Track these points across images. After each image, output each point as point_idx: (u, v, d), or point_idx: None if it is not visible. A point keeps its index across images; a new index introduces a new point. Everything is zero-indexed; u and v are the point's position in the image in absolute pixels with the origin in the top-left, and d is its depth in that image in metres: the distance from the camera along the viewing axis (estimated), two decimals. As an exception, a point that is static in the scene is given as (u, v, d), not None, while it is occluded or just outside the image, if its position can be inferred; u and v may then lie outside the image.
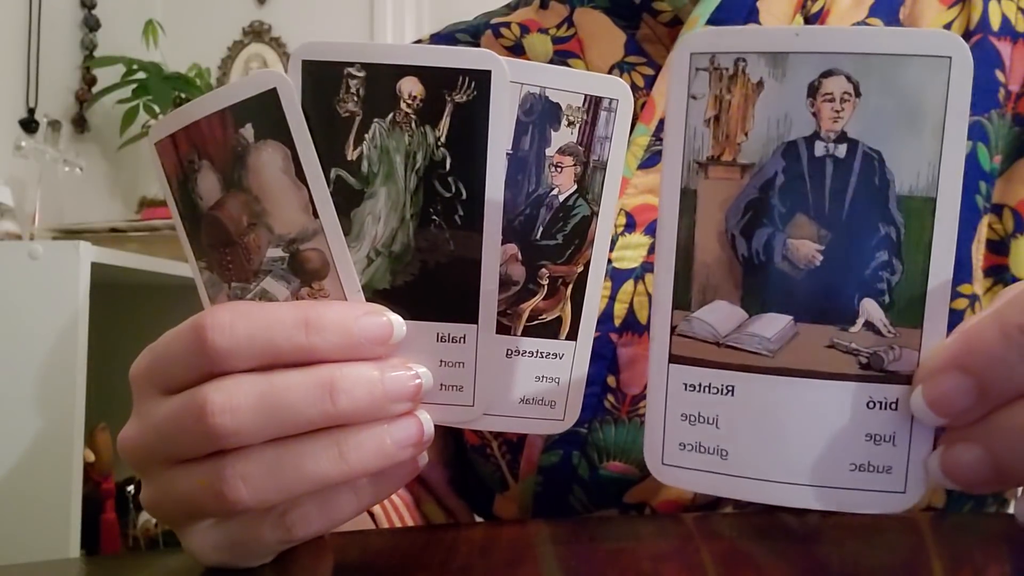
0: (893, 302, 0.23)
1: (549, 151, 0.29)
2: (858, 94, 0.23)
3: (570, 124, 0.29)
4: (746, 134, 0.24)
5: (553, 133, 0.29)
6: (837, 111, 0.23)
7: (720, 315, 0.25)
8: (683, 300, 0.25)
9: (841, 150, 0.23)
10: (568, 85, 0.28)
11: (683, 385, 0.25)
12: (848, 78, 0.23)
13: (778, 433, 0.24)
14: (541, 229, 0.29)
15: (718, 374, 0.25)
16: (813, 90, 0.23)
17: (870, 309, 0.24)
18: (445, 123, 0.28)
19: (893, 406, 0.24)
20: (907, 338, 0.23)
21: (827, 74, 0.23)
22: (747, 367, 0.24)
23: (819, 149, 0.23)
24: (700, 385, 0.25)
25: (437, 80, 0.27)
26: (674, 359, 0.25)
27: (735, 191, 0.24)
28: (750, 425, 0.24)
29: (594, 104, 0.29)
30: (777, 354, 0.24)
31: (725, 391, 0.25)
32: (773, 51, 0.23)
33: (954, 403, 0.22)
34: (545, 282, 0.30)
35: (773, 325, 0.24)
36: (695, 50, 0.24)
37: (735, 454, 0.25)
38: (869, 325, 0.24)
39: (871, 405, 0.24)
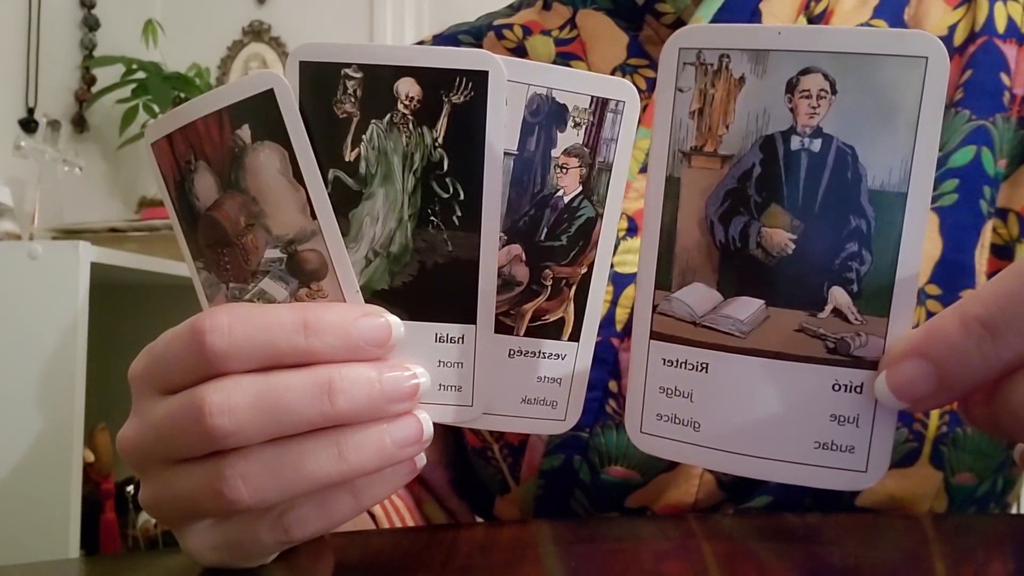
0: (862, 291, 0.24)
1: (555, 152, 0.29)
2: (835, 91, 0.24)
3: (576, 125, 0.28)
4: (727, 127, 0.25)
5: (559, 134, 0.29)
6: (813, 107, 0.24)
7: (697, 297, 0.26)
8: (664, 281, 0.26)
9: (816, 145, 0.24)
10: (575, 86, 0.28)
11: (662, 360, 0.26)
12: (825, 76, 0.24)
13: (747, 409, 0.25)
14: (546, 230, 0.29)
15: (694, 351, 0.26)
16: (791, 87, 0.24)
17: (838, 297, 0.24)
18: (442, 124, 0.27)
19: (858, 389, 0.24)
20: (874, 326, 0.24)
21: (805, 72, 0.24)
22: (720, 346, 0.26)
23: (795, 143, 0.24)
24: (677, 361, 0.26)
25: (434, 81, 0.27)
26: (654, 335, 0.26)
27: (715, 180, 0.25)
28: (721, 400, 0.26)
29: (600, 106, 0.28)
30: (749, 335, 0.25)
31: (700, 368, 0.26)
32: (755, 48, 0.24)
33: (915, 389, 0.23)
34: (549, 283, 0.29)
35: (746, 308, 0.25)
36: (683, 45, 0.25)
37: (707, 427, 0.26)
38: (837, 312, 0.24)
39: (836, 387, 0.25)
